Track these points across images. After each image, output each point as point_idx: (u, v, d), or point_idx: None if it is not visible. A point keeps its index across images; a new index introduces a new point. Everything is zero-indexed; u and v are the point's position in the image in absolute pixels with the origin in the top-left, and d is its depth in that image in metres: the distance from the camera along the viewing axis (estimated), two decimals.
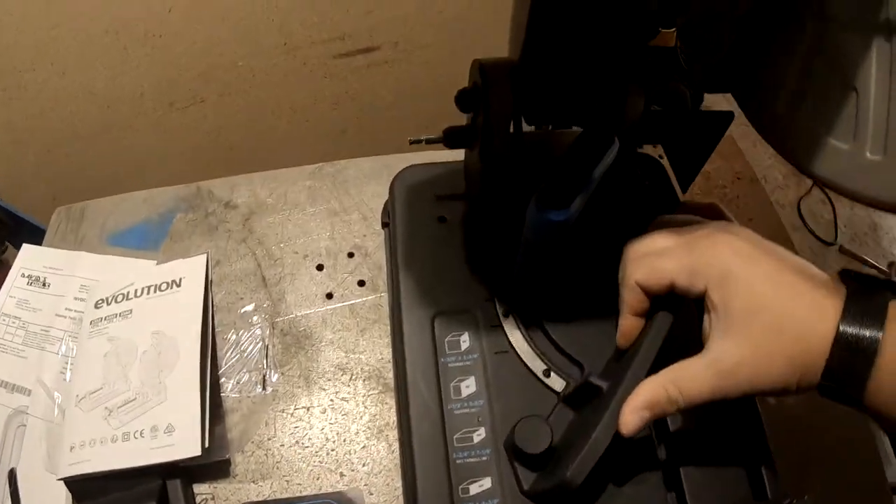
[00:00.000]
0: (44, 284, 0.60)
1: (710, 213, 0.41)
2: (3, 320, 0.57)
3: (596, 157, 0.37)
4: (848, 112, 0.32)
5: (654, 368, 0.35)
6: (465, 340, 0.44)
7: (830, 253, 1.62)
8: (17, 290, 0.59)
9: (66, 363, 0.55)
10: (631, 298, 0.37)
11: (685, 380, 0.34)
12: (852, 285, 0.32)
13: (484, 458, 0.40)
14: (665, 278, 0.35)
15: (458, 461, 0.40)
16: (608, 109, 0.40)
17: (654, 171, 0.57)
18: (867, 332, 0.29)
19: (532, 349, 0.44)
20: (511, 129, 0.42)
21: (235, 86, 0.97)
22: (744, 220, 0.67)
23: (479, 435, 0.41)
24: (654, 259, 0.36)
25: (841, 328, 0.30)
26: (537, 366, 0.43)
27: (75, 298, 0.59)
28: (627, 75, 0.40)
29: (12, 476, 0.49)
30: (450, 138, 0.43)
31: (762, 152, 1.67)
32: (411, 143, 0.44)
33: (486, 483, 0.40)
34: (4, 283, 0.60)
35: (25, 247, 0.62)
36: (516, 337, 0.44)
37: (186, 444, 0.47)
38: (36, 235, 0.73)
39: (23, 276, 0.60)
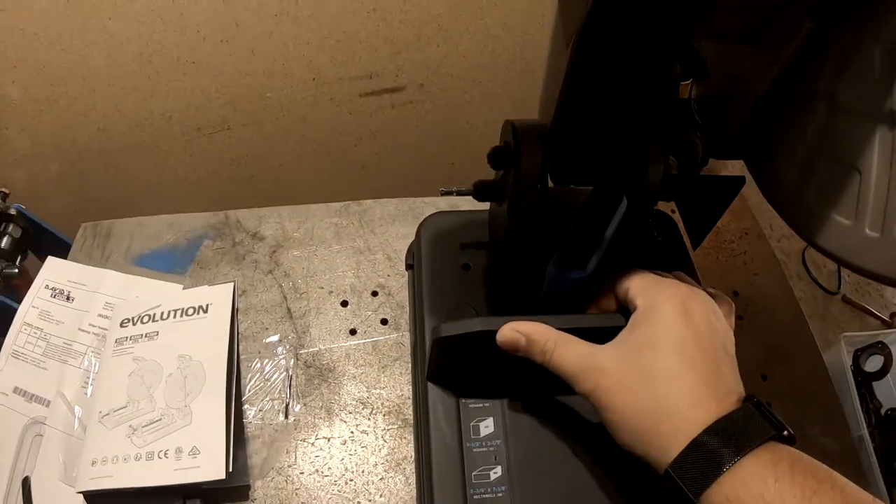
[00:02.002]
0: (68, 298, 0.60)
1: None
2: (25, 330, 0.57)
3: (607, 217, 0.40)
4: (851, 190, 0.34)
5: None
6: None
7: (833, 302, 1.62)
8: (39, 301, 0.59)
9: (88, 378, 0.55)
10: (603, 290, 0.41)
11: (564, 348, 0.37)
12: (744, 408, 0.32)
13: (500, 495, 0.43)
14: (625, 284, 0.39)
15: (475, 497, 0.42)
16: (625, 171, 0.43)
17: (667, 227, 0.60)
18: (726, 450, 0.30)
19: None
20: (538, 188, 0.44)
21: (262, 116, 0.99)
22: (749, 274, 0.70)
23: (496, 473, 0.43)
24: (636, 272, 0.40)
25: (705, 433, 0.31)
26: None
27: (99, 315, 0.59)
28: (647, 139, 0.42)
29: (26, 484, 0.49)
30: (480, 192, 0.46)
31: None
32: (442, 193, 0.47)
33: None
34: (28, 293, 0.60)
35: (51, 259, 0.62)
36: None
37: (211, 466, 0.48)
38: (58, 247, 0.73)
39: (46, 287, 0.60)
